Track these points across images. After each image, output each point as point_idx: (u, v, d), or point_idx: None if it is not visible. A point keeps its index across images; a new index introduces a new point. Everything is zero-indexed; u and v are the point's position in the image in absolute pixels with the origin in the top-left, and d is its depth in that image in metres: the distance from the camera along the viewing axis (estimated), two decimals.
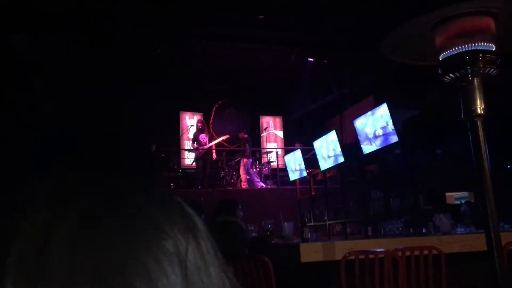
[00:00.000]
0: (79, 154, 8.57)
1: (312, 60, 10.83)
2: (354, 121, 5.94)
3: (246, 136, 10.72)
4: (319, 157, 6.82)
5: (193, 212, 0.46)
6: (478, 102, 2.14)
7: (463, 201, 7.09)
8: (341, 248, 3.34)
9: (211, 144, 10.72)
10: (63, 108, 9.53)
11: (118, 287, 0.35)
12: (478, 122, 2.13)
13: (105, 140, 9.67)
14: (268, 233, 4.84)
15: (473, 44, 2.13)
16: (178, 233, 0.40)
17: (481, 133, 2.13)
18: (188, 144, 11.80)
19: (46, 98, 9.55)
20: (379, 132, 5.42)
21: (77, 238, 0.36)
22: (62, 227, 0.36)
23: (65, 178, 0.41)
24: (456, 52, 2.15)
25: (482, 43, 2.14)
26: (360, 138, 5.77)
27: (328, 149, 6.52)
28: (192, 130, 11.41)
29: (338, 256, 3.21)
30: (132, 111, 10.58)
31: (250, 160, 10.56)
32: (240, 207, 4.68)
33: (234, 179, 10.44)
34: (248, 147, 10.54)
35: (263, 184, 10.20)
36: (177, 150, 11.78)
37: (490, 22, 2.17)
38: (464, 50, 2.13)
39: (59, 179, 0.41)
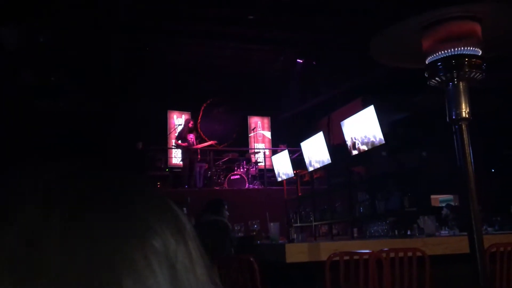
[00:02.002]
0: (66, 150, 8.50)
1: (301, 61, 10.86)
2: (341, 123, 5.97)
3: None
4: (306, 158, 6.83)
5: (182, 212, 0.46)
6: (463, 105, 2.16)
7: (444, 204, 7.17)
8: (326, 249, 3.36)
9: (200, 146, 10.68)
10: (51, 103, 9.44)
11: (106, 284, 0.35)
12: (463, 126, 2.15)
13: (92, 136, 9.60)
14: (254, 233, 4.85)
15: (459, 48, 2.15)
16: (168, 233, 0.41)
17: (465, 136, 2.15)
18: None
19: (36, 94, 9.46)
20: (366, 134, 5.45)
21: (67, 234, 0.36)
22: (51, 222, 0.36)
23: (56, 172, 0.41)
24: (442, 56, 2.17)
25: (468, 48, 2.16)
26: (347, 139, 5.79)
27: (315, 150, 6.54)
28: (179, 129, 11.37)
29: (323, 257, 3.22)
30: (120, 108, 10.52)
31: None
32: (226, 206, 4.68)
33: (221, 179, 10.43)
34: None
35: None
36: (165, 148, 11.73)
37: (477, 27, 2.19)
38: (450, 54, 2.15)
39: (50, 174, 0.41)
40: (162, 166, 10.95)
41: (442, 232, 5.04)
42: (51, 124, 9.04)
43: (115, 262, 0.36)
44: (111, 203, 0.40)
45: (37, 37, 8.23)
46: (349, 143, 5.78)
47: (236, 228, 5.09)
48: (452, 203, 7.50)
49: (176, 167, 11.34)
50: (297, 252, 3.41)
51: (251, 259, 3.35)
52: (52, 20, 8.10)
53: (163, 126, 12.12)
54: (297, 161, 8.20)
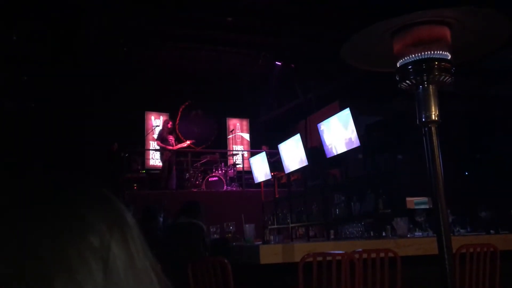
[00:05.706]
0: (33, 151, 8.38)
1: (280, 63, 10.89)
2: (318, 125, 6.01)
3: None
4: (283, 160, 6.86)
5: (124, 207, 0.45)
6: (433, 108, 2.19)
7: (420, 206, 7.27)
8: (300, 250, 3.37)
9: (178, 146, 10.59)
10: (22, 103, 9.26)
11: (35, 281, 0.34)
12: (432, 128, 2.19)
13: (64, 137, 9.45)
14: (229, 235, 4.84)
15: (429, 52, 2.19)
16: (104, 226, 0.40)
17: (435, 138, 2.18)
18: (153, 145, 11.63)
19: (6, 94, 9.27)
20: (342, 136, 5.50)
21: None
22: None
23: None
24: (412, 60, 2.20)
25: (438, 52, 2.20)
26: (324, 142, 5.84)
27: (292, 152, 6.57)
28: (158, 130, 11.26)
29: (297, 258, 3.23)
30: (95, 109, 10.38)
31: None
32: (203, 208, 4.66)
33: (199, 181, 10.38)
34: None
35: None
36: (142, 150, 11.61)
37: (446, 32, 2.23)
38: (420, 57, 2.19)
39: None
40: (139, 168, 10.82)
41: (416, 233, 5.10)
42: (20, 125, 8.87)
43: (45, 256, 0.35)
44: (45, 199, 0.39)
45: (7, 35, 8.05)
46: (325, 145, 5.82)
47: (212, 230, 5.07)
48: (427, 205, 7.62)
49: (153, 168, 11.24)
50: (271, 254, 3.42)
51: (225, 261, 3.34)
52: (24, 19, 7.95)
53: (141, 127, 12.01)
54: (275, 163, 8.22)
